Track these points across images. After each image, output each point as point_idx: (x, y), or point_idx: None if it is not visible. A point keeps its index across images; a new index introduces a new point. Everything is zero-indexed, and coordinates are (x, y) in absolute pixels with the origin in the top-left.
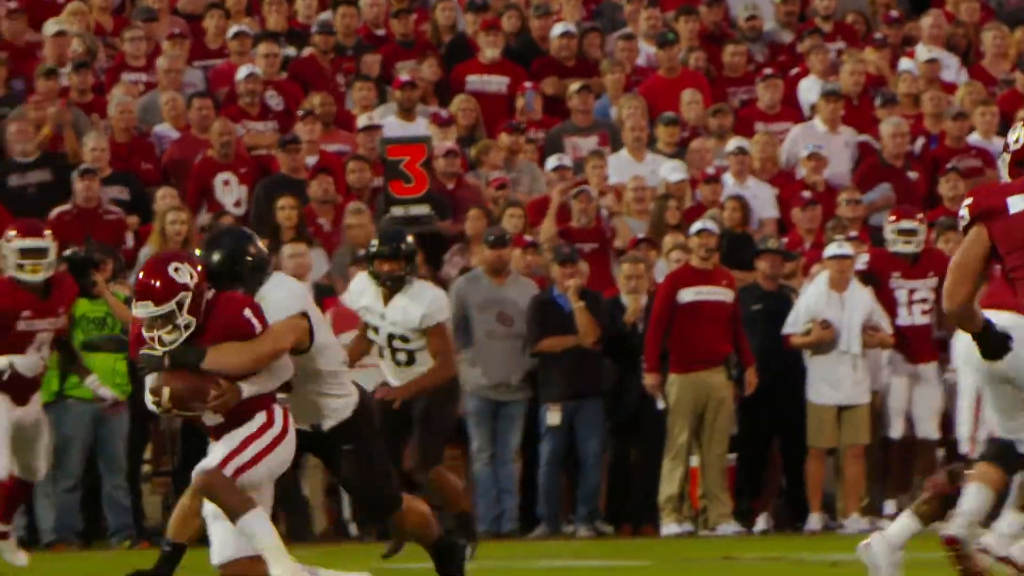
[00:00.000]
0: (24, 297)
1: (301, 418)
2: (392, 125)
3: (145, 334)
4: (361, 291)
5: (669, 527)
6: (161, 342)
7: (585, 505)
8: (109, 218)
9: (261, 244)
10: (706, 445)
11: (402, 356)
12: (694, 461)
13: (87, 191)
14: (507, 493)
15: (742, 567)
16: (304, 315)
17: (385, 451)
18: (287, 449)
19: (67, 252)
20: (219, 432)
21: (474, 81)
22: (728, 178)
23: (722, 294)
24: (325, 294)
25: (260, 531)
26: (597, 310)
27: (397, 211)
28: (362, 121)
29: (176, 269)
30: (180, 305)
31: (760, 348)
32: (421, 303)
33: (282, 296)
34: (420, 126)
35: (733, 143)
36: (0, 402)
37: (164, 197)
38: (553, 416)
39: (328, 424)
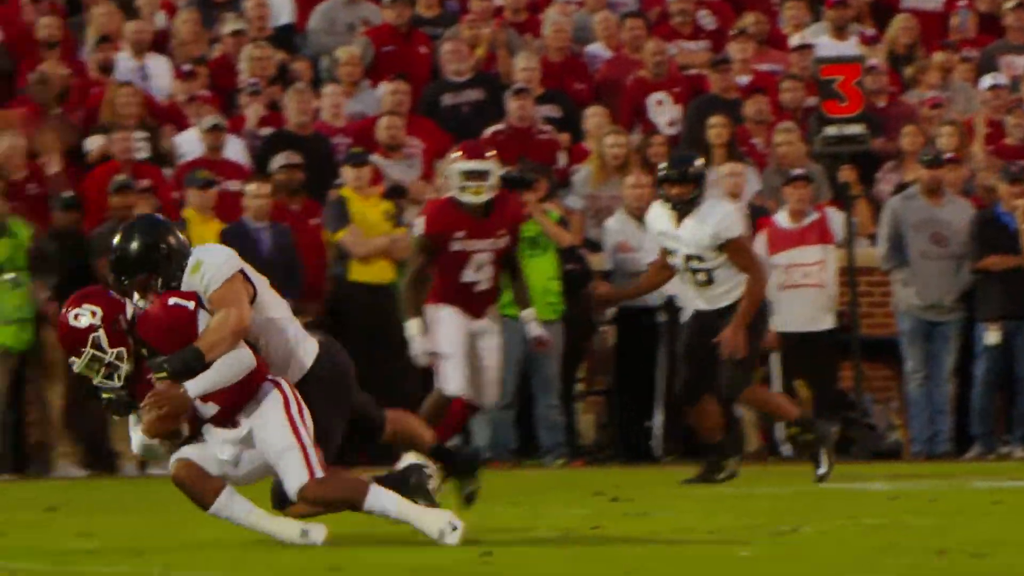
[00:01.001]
0: (461, 218)
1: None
2: (825, 44)
3: (96, 383)
4: (656, 217)
5: None
6: (109, 387)
7: (1021, 425)
8: (542, 137)
9: (180, 234)
10: None
11: (701, 276)
12: None
13: (520, 110)
14: (941, 414)
15: None
16: (240, 271)
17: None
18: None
19: (500, 172)
20: (224, 416)
21: None
22: None
23: None
24: (759, 214)
25: (388, 503)
26: None
27: (830, 131)
28: (794, 40)
29: (76, 316)
30: (98, 346)
31: None
32: (710, 221)
33: (220, 259)
34: (852, 45)
35: None
36: (454, 317)
37: (595, 116)
38: (992, 335)
39: (296, 379)
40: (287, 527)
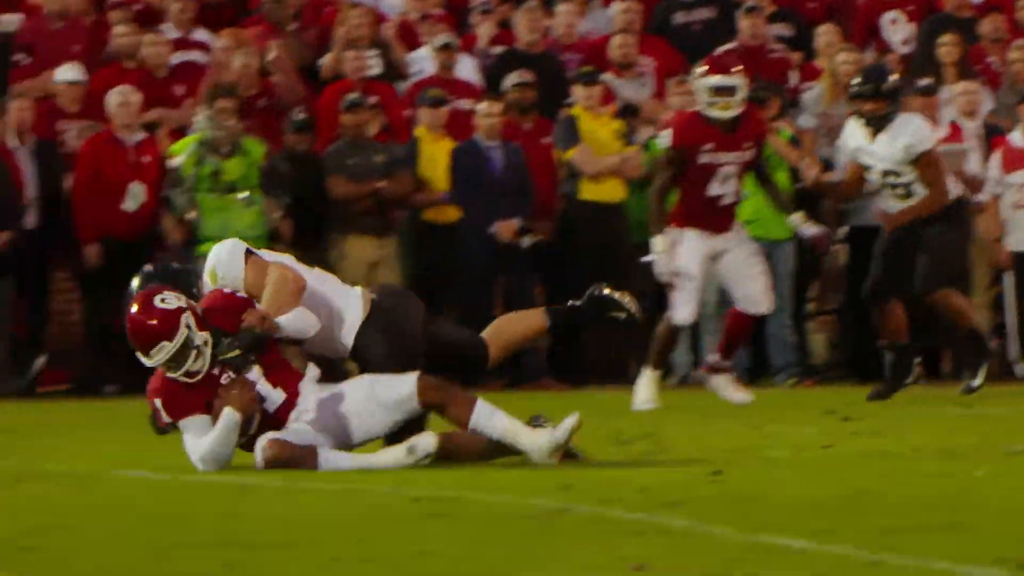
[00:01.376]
0: (708, 132)
1: (330, 351)
2: None
3: (173, 376)
4: (851, 134)
5: None
6: (193, 374)
7: None
8: (773, 56)
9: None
10: None
11: (899, 190)
12: None
13: (752, 28)
14: None
15: None
16: (248, 251)
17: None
18: None
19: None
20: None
21: None
22: None
23: None
24: (993, 133)
25: (497, 417)
26: None
27: None
28: None
29: (163, 299)
30: (189, 327)
31: None
32: (903, 135)
33: (225, 252)
34: None
35: None
36: (696, 241)
37: (826, 34)
38: None
39: (349, 342)
40: (392, 452)
